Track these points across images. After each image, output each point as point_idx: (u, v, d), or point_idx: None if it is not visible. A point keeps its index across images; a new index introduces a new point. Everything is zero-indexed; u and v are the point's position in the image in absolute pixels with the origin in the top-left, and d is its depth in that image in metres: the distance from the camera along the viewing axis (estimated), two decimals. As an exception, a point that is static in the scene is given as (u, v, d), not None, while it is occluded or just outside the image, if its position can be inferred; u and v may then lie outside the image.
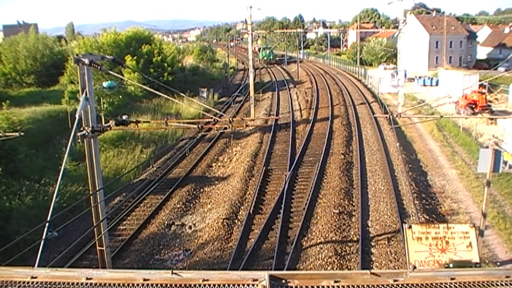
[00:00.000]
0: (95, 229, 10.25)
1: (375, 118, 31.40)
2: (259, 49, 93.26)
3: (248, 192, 19.51)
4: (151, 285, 2.88)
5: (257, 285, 2.80)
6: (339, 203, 17.42)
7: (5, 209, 15.53)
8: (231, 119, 12.78)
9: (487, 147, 14.99)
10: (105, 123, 10.24)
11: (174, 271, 2.93)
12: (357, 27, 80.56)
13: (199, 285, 2.86)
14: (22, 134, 13.60)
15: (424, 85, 51.02)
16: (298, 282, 2.86)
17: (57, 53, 50.11)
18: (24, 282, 2.91)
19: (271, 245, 14.67)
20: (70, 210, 12.76)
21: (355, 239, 14.78)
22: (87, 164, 9.88)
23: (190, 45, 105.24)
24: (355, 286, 2.84)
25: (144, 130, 26.62)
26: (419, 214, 16.12)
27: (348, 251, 14.03)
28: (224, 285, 2.83)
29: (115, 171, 22.14)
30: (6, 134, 13.95)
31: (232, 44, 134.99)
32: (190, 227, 16.72)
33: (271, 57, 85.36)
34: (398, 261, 13.31)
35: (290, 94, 46.46)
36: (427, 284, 2.85)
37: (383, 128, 29.62)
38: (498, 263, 13.51)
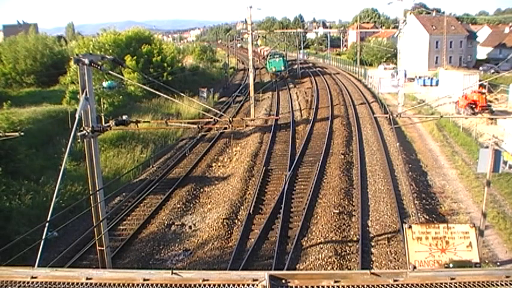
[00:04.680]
0: (95, 229, 10.25)
1: (375, 118, 31.40)
2: (266, 55, 68.56)
3: (248, 192, 19.50)
4: (151, 285, 2.88)
5: (257, 285, 2.80)
6: (339, 203, 17.42)
7: (5, 209, 15.51)
8: (231, 119, 12.78)
9: (487, 147, 14.97)
10: (105, 123, 10.23)
11: (174, 271, 2.93)
12: (357, 27, 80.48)
13: (199, 285, 2.86)
14: (22, 134, 13.58)
15: (424, 85, 51.05)
16: (298, 282, 2.86)
17: (57, 53, 50.09)
18: (24, 282, 2.91)
19: (271, 245, 14.67)
20: (70, 210, 12.75)
21: (355, 239, 14.78)
22: (87, 164, 9.88)
23: (191, 45, 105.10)
24: (355, 286, 2.85)
25: (144, 130, 26.61)
26: (419, 214, 16.11)
27: (348, 251, 14.02)
28: (224, 285, 2.83)
29: (115, 171, 22.14)
30: (6, 134, 13.95)
31: (238, 45, 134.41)
32: (190, 227, 16.72)
33: (282, 67, 59.04)
34: (398, 261, 13.31)
35: (290, 94, 46.48)
36: (427, 284, 2.85)
37: (383, 128, 29.62)
38: (498, 263, 13.51)
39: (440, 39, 70.65)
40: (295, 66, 66.13)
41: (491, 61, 73.37)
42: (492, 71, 59.38)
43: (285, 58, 62.13)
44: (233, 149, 26.86)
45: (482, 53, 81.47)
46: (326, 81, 54.37)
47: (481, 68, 64.09)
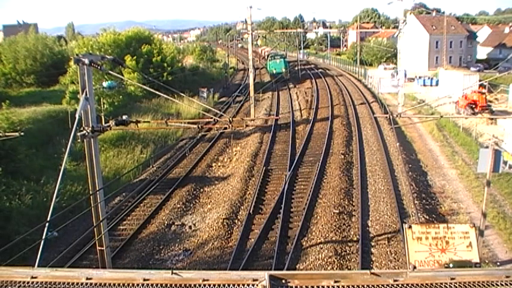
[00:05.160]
0: (95, 229, 10.25)
1: (375, 118, 31.40)
2: (267, 56, 65.92)
3: (248, 192, 19.50)
4: (151, 285, 2.88)
5: (257, 285, 2.80)
6: (339, 203, 17.42)
7: (5, 209, 15.52)
8: (231, 119, 12.79)
9: (487, 147, 14.98)
10: (105, 123, 10.23)
11: (174, 271, 2.93)
12: (357, 27, 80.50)
13: (199, 285, 2.86)
14: (22, 134, 13.59)
15: (424, 85, 51.08)
16: (298, 282, 2.86)
17: (57, 53, 50.09)
18: (24, 282, 2.91)
19: (271, 245, 14.67)
20: (70, 210, 12.75)
21: (355, 239, 14.78)
22: (87, 164, 9.88)
23: (190, 45, 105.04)
24: (355, 286, 2.84)
25: (144, 130, 26.60)
26: (419, 214, 16.11)
27: (348, 251, 14.02)
28: (224, 285, 2.83)
29: (115, 171, 22.14)
30: (6, 134, 13.96)
31: (239, 45, 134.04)
32: (190, 227, 16.72)
33: (283, 69, 55.10)
34: (398, 261, 13.31)
35: (290, 94, 46.47)
36: (427, 284, 2.85)
37: (383, 128, 29.62)
38: (498, 263, 13.51)
39: (440, 39, 70.67)
40: (296, 68, 65.58)
41: (491, 61, 73.36)
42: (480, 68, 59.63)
43: (285, 59, 59.23)
44: (233, 149, 26.85)
45: (482, 53, 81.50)
46: (326, 81, 54.35)
47: (472, 68, 64.07)
